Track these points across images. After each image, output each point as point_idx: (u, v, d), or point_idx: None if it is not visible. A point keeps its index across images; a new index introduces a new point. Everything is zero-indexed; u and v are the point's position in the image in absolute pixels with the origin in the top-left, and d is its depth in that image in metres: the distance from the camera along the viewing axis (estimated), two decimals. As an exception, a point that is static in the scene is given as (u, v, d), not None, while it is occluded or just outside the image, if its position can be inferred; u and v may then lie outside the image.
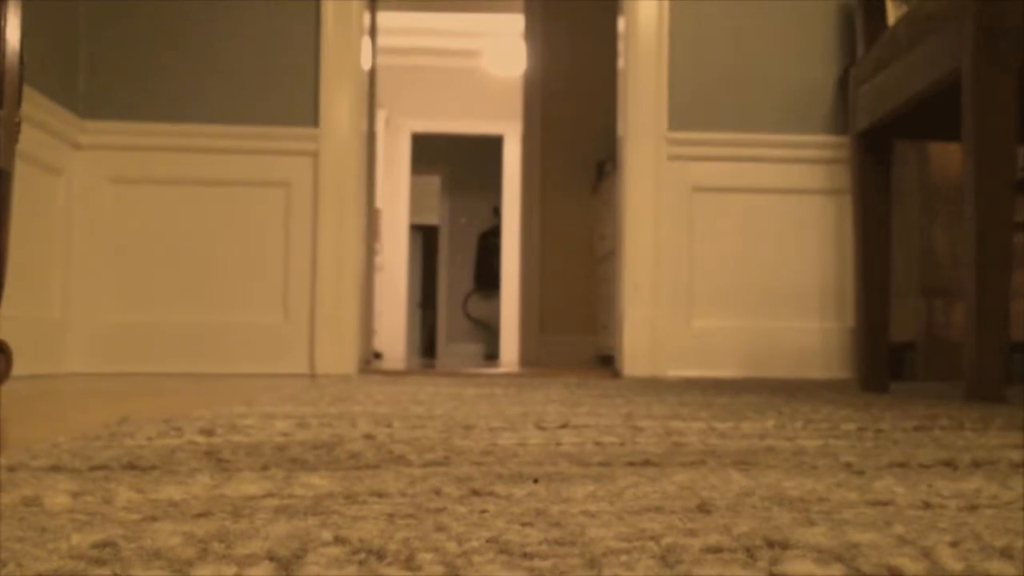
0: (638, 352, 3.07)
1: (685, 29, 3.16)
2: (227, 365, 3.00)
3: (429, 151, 9.44)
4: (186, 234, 3.02)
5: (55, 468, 0.60)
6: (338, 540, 0.38)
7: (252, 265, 3.03)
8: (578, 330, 5.14)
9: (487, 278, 9.65)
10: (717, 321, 3.12)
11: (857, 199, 1.92)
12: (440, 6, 6.20)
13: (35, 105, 2.61)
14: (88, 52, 3.03)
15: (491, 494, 0.51)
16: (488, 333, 9.61)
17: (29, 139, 2.58)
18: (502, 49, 7.76)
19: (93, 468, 0.60)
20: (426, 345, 10.18)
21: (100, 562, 0.34)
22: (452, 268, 9.92)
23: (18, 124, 1.25)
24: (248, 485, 0.53)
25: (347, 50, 3.07)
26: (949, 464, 0.66)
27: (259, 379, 2.55)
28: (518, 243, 5.39)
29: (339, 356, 3.01)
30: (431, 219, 10.12)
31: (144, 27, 3.05)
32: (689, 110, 3.15)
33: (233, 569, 0.33)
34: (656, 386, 2.06)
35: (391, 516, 0.44)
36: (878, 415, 1.14)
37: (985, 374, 1.39)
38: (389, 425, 0.92)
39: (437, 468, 0.62)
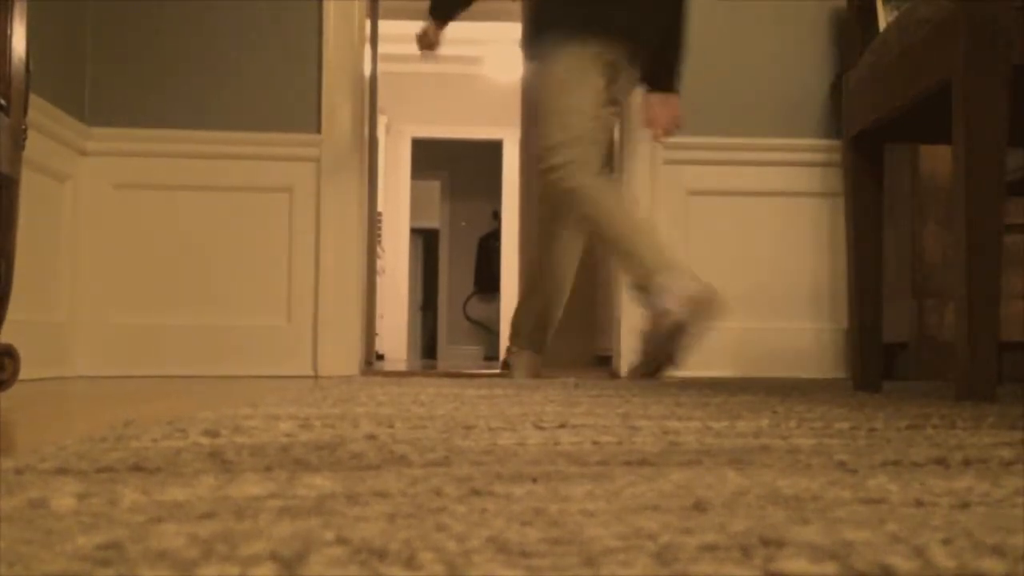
0: (635, 352, 3.08)
1: (681, 34, 3.16)
2: (231, 368, 3.01)
3: (429, 156, 9.45)
4: (191, 239, 3.03)
5: (61, 470, 0.60)
6: (340, 540, 0.39)
7: (256, 269, 3.03)
8: (576, 331, 5.15)
9: (487, 281, 9.64)
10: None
11: (850, 202, 1.93)
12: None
13: (41, 112, 2.62)
14: (94, 60, 3.04)
15: (491, 494, 0.52)
16: (488, 335, 9.60)
17: (35, 146, 2.59)
18: (501, 56, 7.77)
19: (99, 470, 0.60)
20: (427, 347, 10.18)
21: (106, 563, 0.35)
22: (452, 271, 9.92)
23: (24, 131, 1.26)
24: (252, 486, 0.54)
25: (349, 57, 3.08)
26: (941, 462, 0.67)
27: (263, 381, 2.56)
28: (517, 246, 5.40)
29: (342, 358, 3.02)
30: (432, 223, 10.13)
31: (149, 35, 3.06)
32: (684, 115, 3.16)
33: (237, 569, 0.34)
34: (653, 386, 2.07)
35: (392, 516, 0.45)
36: (871, 414, 1.14)
37: (976, 374, 1.40)
38: (391, 426, 0.93)
39: (438, 468, 0.62)
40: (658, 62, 2.47)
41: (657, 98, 2.55)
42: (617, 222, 2.28)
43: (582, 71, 2.32)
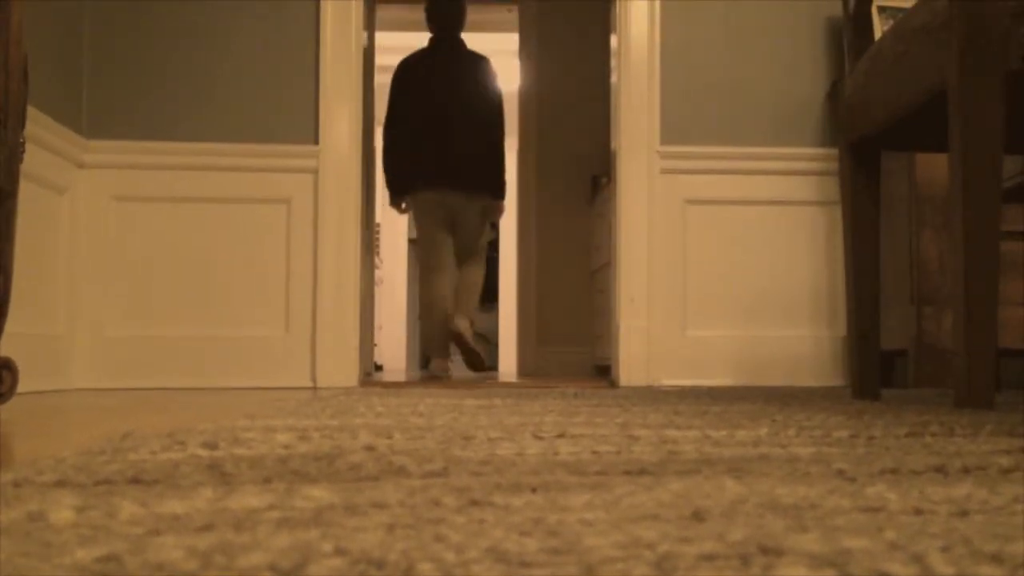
0: (634, 362, 3.08)
1: (677, 45, 3.18)
2: (230, 379, 3.00)
3: (426, 164, 9.42)
4: (189, 250, 3.03)
5: (60, 483, 0.60)
6: (338, 551, 0.38)
7: (254, 280, 3.03)
8: (575, 341, 5.15)
9: (485, 291, 9.64)
10: (711, 331, 3.13)
11: (847, 209, 1.93)
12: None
13: (39, 125, 2.62)
14: (91, 73, 3.05)
15: (489, 504, 0.52)
16: (487, 345, 9.60)
17: (33, 159, 2.59)
18: (498, 66, 7.78)
19: (97, 483, 0.60)
20: (426, 358, 10.16)
21: (105, 576, 0.35)
22: (450, 281, 9.89)
23: (22, 144, 1.26)
24: (250, 498, 0.54)
25: (346, 69, 3.08)
26: (940, 470, 0.67)
27: (261, 393, 2.56)
28: (515, 256, 5.40)
29: (340, 369, 3.02)
30: (429, 232, 10.09)
31: (147, 48, 3.07)
32: (681, 124, 3.17)
33: (236, 581, 0.34)
34: (652, 395, 2.07)
35: (391, 527, 0.45)
36: (870, 422, 1.14)
37: (975, 381, 1.39)
38: (389, 436, 0.93)
39: (436, 479, 0.62)
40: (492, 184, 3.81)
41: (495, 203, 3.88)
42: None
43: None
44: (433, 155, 3.65)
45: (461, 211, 3.73)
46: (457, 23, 3.79)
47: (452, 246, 3.83)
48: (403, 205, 3.94)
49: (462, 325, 3.68)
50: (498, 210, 3.87)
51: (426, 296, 3.76)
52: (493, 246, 9.21)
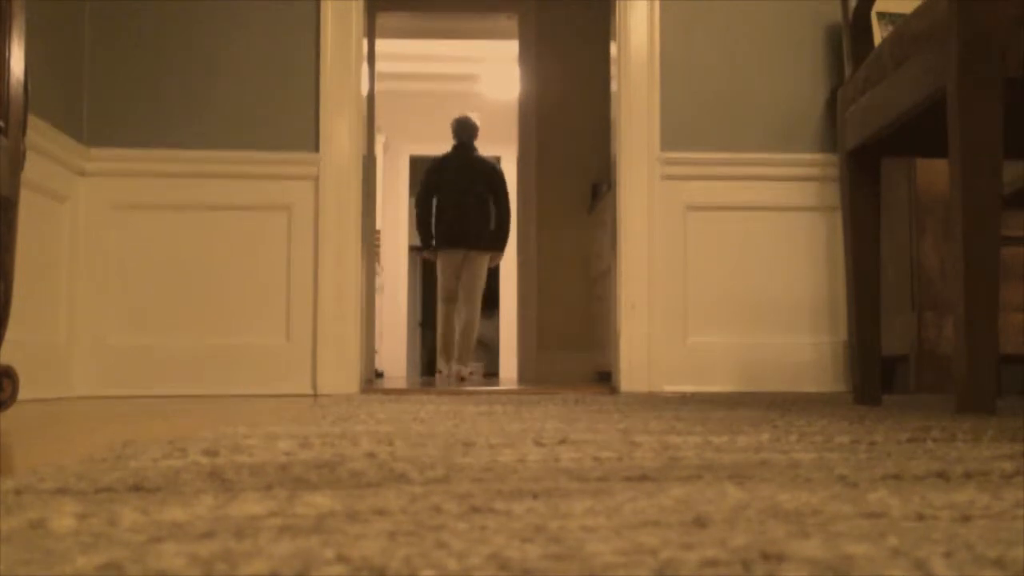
0: (635, 368, 3.08)
1: (676, 52, 3.19)
2: (231, 387, 3.00)
3: (427, 172, 9.45)
4: (189, 258, 3.03)
5: (61, 491, 0.60)
6: (340, 558, 0.38)
7: (254, 287, 3.04)
8: (576, 347, 5.14)
9: (486, 298, 9.65)
10: (712, 337, 3.13)
11: (847, 216, 1.93)
12: (436, 33, 6.25)
13: (40, 133, 2.63)
14: (92, 80, 3.05)
15: (491, 510, 0.52)
16: (487, 351, 9.60)
17: (34, 167, 2.60)
18: (498, 73, 7.81)
19: (98, 490, 0.60)
20: (427, 364, 10.17)
21: (106, 583, 0.35)
22: (451, 287, 9.88)
23: (23, 152, 1.27)
24: (251, 505, 0.54)
25: (346, 77, 3.09)
26: (942, 476, 0.67)
27: (262, 400, 2.55)
28: (516, 263, 5.41)
29: (341, 376, 3.02)
30: (429, 239, 10.10)
31: (147, 56, 3.07)
32: (681, 131, 3.18)
33: (238, 587, 0.34)
34: (653, 401, 2.07)
35: (393, 534, 0.45)
36: (871, 428, 1.14)
37: (976, 386, 1.39)
38: (391, 443, 0.93)
39: (438, 485, 0.62)
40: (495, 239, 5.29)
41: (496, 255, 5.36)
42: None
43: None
44: (455, 225, 5.18)
45: (470, 262, 5.19)
46: (473, 136, 5.28)
47: (463, 283, 5.32)
48: (432, 256, 5.48)
49: (464, 371, 5.15)
50: (497, 258, 5.39)
51: (443, 318, 5.27)
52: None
